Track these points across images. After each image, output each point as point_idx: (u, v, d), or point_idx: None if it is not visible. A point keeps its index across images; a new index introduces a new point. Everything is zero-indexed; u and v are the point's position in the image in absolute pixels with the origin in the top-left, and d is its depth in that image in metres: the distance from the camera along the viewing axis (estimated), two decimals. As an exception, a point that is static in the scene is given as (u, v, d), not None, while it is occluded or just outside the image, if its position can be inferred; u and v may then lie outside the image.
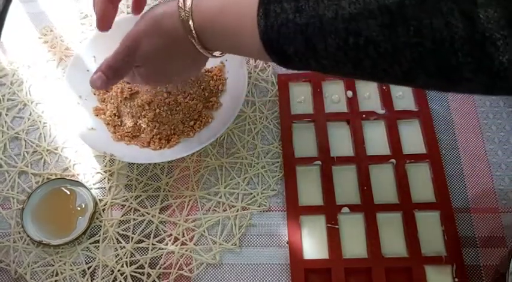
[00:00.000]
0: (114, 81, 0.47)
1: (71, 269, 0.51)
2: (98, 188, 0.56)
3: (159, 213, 0.54)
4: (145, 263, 0.52)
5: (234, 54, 0.43)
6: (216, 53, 0.44)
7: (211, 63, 0.62)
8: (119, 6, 0.69)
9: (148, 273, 0.51)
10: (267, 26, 0.34)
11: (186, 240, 0.53)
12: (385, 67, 0.32)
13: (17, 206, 0.55)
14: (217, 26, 0.39)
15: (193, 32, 0.40)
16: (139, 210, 0.54)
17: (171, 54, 0.44)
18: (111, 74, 0.45)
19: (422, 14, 0.28)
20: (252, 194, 0.55)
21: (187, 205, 0.55)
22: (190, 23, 0.39)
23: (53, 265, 0.52)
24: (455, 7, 0.28)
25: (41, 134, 0.59)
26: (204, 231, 0.53)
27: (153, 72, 0.46)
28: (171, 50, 0.43)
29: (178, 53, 0.44)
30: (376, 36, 0.30)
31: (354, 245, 0.51)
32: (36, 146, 0.59)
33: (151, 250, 0.52)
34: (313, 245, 0.51)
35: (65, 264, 0.52)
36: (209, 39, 0.41)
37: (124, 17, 0.65)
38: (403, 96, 0.59)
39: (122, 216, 0.54)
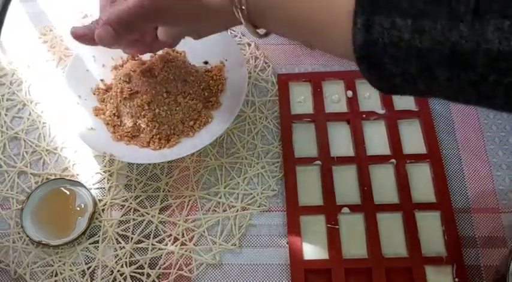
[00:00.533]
0: (123, 36, 0.41)
1: (71, 269, 0.51)
2: (98, 188, 0.56)
3: (159, 213, 0.54)
4: (145, 263, 0.51)
5: (296, 40, 0.34)
6: (261, 31, 0.35)
7: (212, 63, 0.62)
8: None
9: (148, 273, 0.51)
10: (368, 42, 0.26)
11: (185, 240, 0.53)
12: None
13: (16, 206, 0.55)
14: (287, 11, 0.30)
15: (244, 7, 0.32)
16: (139, 211, 0.54)
17: (200, 20, 0.37)
18: (121, 28, 0.40)
19: None
20: (251, 194, 0.55)
21: (187, 205, 0.54)
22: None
23: (53, 265, 0.52)
24: None
25: (40, 134, 0.59)
26: (203, 231, 0.53)
27: (171, 31, 0.41)
28: (201, 15, 0.36)
29: (210, 20, 0.37)
30: None
31: (354, 245, 0.51)
32: (36, 146, 0.58)
33: (151, 250, 0.52)
34: (313, 245, 0.51)
35: (64, 264, 0.52)
36: (265, 20, 0.33)
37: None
38: (404, 96, 0.59)
39: (122, 216, 0.54)
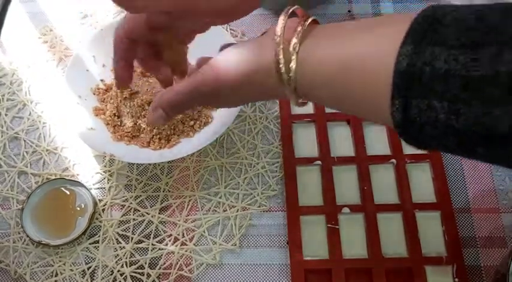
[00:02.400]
0: (174, 116, 0.44)
1: (71, 270, 0.51)
2: (98, 188, 0.56)
3: (159, 213, 0.54)
4: (145, 263, 0.51)
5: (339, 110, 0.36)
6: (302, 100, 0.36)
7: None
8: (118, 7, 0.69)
9: (148, 273, 0.51)
10: (406, 120, 0.28)
11: (186, 240, 0.53)
12: None
13: (16, 206, 0.55)
14: (330, 90, 0.32)
15: (293, 84, 0.33)
16: (139, 211, 0.54)
17: (249, 97, 0.40)
18: (172, 111, 0.42)
19: None
20: (252, 194, 0.55)
21: (187, 205, 0.54)
22: (292, 76, 0.33)
23: (53, 265, 0.52)
24: None
25: (40, 134, 0.59)
26: (204, 231, 0.53)
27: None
28: (250, 94, 0.38)
29: (260, 97, 0.41)
30: None
31: (354, 245, 0.51)
32: (36, 146, 0.58)
33: (151, 250, 0.52)
34: (313, 246, 0.51)
35: (64, 264, 0.52)
36: (309, 97, 0.35)
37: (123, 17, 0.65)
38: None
39: (122, 216, 0.54)
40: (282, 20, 0.33)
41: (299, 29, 0.33)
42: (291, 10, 0.34)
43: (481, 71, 0.24)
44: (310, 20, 0.34)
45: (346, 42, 0.31)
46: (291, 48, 0.32)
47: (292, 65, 0.32)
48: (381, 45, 0.28)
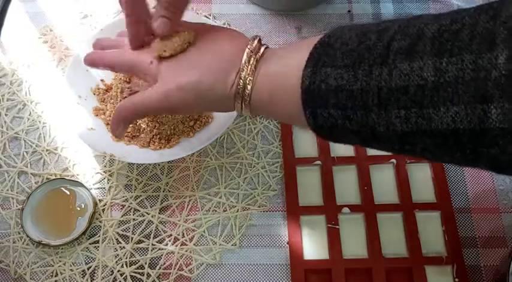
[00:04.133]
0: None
1: (71, 270, 0.51)
2: (98, 188, 0.56)
3: (159, 213, 0.54)
4: (145, 263, 0.51)
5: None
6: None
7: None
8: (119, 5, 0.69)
9: (148, 273, 0.51)
10: (317, 126, 0.35)
11: (186, 240, 0.53)
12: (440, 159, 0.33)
13: (16, 206, 0.55)
14: (269, 114, 0.41)
15: (246, 105, 0.40)
16: (139, 211, 0.54)
17: (205, 108, 0.44)
18: (136, 116, 0.47)
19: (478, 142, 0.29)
20: (252, 194, 0.55)
21: (187, 205, 0.54)
22: (247, 100, 0.40)
23: (53, 265, 0.52)
24: None
25: (40, 134, 0.59)
26: (204, 231, 0.53)
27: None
28: (206, 106, 0.43)
29: (214, 107, 0.44)
30: (433, 149, 0.31)
31: (354, 245, 0.51)
32: (36, 146, 0.58)
33: (151, 250, 0.52)
34: (313, 245, 0.51)
35: (64, 264, 0.52)
36: (256, 113, 0.42)
37: (123, 17, 0.65)
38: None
39: (122, 216, 0.54)
40: (247, 49, 0.40)
41: (255, 57, 0.40)
42: (256, 40, 0.40)
43: (358, 84, 0.32)
44: (262, 49, 0.40)
45: (274, 66, 0.39)
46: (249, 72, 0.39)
47: (248, 86, 0.39)
48: (291, 70, 0.36)
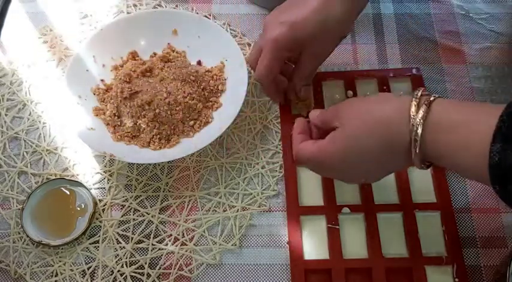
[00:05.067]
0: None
1: (71, 270, 0.51)
2: (98, 188, 0.56)
3: (159, 213, 0.54)
4: (145, 263, 0.51)
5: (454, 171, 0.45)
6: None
7: (212, 63, 0.62)
8: (119, 5, 0.69)
9: (148, 273, 0.51)
10: (507, 196, 0.35)
11: (186, 240, 0.53)
12: None
13: (16, 206, 0.55)
14: (449, 141, 0.38)
15: (418, 142, 0.38)
16: (139, 211, 0.54)
17: (380, 160, 0.42)
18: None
19: None
20: (252, 194, 0.55)
21: (187, 205, 0.54)
22: (419, 132, 0.38)
23: (53, 265, 0.52)
24: None
25: (40, 134, 0.59)
26: (204, 231, 0.53)
27: (346, 168, 0.44)
28: (381, 155, 0.41)
29: (387, 160, 0.42)
30: None
31: (355, 245, 0.51)
32: (36, 146, 0.58)
33: (151, 250, 0.52)
34: (313, 246, 0.51)
35: (64, 264, 0.52)
36: (435, 163, 0.40)
37: (124, 17, 0.65)
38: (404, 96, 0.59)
39: (122, 216, 0.54)
40: (414, 103, 0.39)
41: (423, 110, 0.38)
42: (419, 94, 0.39)
43: None
44: (432, 98, 0.39)
45: (454, 132, 0.37)
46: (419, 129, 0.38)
47: (420, 111, 0.38)
48: (475, 140, 0.36)
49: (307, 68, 0.53)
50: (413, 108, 0.39)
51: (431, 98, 0.39)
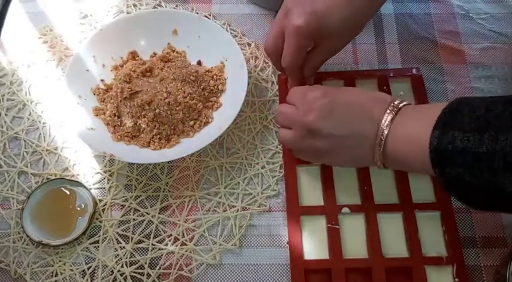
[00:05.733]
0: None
1: (71, 270, 0.51)
2: (98, 188, 0.56)
3: (159, 213, 0.54)
4: (145, 263, 0.51)
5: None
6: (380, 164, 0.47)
7: (212, 63, 0.62)
8: (119, 5, 0.69)
9: (148, 273, 0.51)
10: (446, 182, 0.39)
11: (186, 240, 0.53)
12: None
13: (16, 206, 0.55)
14: (399, 157, 0.44)
15: (380, 149, 0.44)
16: (139, 211, 0.54)
17: (351, 149, 0.47)
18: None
19: None
20: (252, 194, 0.55)
21: (187, 205, 0.54)
22: (382, 142, 0.44)
23: (53, 265, 0.52)
24: None
25: (40, 134, 0.59)
26: (204, 231, 0.53)
27: (324, 151, 0.48)
28: (354, 144, 0.46)
29: (355, 150, 0.47)
30: None
31: (355, 245, 0.51)
32: (36, 146, 0.58)
33: (151, 250, 0.52)
34: (313, 245, 0.51)
35: (64, 264, 0.52)
36: (388, 166, 0.46)
37: (124, 16, 0.65)
38: (404, 96, 0.59)
39: (122, 216, 0.54)
40: (387, 114, 0.44)
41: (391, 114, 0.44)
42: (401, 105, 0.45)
43: (484, 148, 0.35)
44: (402, 105, 0.45)
45: (407, 124, 0.43)
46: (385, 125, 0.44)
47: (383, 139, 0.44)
48: (421, 129, 0.40)
49: (320, 59, 0.53)
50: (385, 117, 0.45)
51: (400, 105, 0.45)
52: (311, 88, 0.50)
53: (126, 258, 0.52)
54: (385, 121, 0.44)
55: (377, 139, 0.44)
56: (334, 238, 0.51)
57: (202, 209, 0.54)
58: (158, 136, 0.56)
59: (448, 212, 0.52)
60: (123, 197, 0.55)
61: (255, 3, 0.69)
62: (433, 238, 0.51)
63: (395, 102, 0.45)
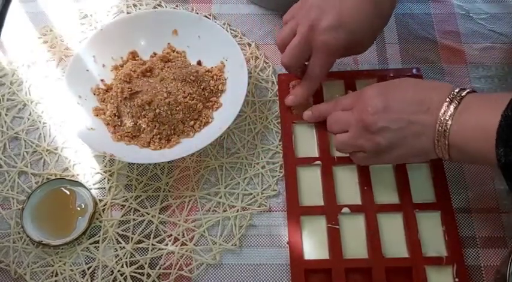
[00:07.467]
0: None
1: (71, 270, 0.51)
2: (98, 188, 0.56)
3: (159, 213, 0.54)
4: (145, 263, 0.51)
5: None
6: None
7: (212, 63, 0.62)
8: (119, 5, 0.69)
9: (148, 273, 0.51)
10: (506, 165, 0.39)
11: (186, 240, 0.53)
12: None
13: (16, 206, 0.55)
14: (467, 148, 0.43)
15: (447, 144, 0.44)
16: (139, 211, 0.54)
17: (411, 140, 0.46)
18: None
19: None
20: (252, 194, 0.55)
21: (187, 205, 0.54)
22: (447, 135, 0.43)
23: (53, 265, 0.52)
24: None
25: (40, 134, 0.59)
26: (204, 231, 0.53)
27: (384, 146, 0.47)
28: (413, 135, 0.46)
29: (415, 142, 0.46)
30: None
31: (355, 245, 0.51)
32: (36, 146, 0.58)
33: (151, 250, 0.52)
34: (313, 246, 0.51)
35: (64, 264, 0.52)
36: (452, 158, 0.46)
37: (124, 16, 0.65)
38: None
39: (122, 216, 0.54)
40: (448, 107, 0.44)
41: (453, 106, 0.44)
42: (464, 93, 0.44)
43: None
44: (464, 93, 0.44)
45: (473, 115, 0.43)
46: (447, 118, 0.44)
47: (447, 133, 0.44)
48: (490, 121, 0.40)
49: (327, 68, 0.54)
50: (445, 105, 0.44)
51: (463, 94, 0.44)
52: (366, 88, 0.50)
53: (126, 258, 0.52)
54: (447, 111, 0.43)
55: (440, 130, 0.44)
56: (334, 238, 0.51)
57: (202, 209, 0.54)
58: (158, 136, 0.56)
59: (448, 212, 0.52)
60: (123, 197, 0.55)
61: (255, 3, 0.69)
62: (433, 238, 0.51)
63: (456, 91, 0.44)
